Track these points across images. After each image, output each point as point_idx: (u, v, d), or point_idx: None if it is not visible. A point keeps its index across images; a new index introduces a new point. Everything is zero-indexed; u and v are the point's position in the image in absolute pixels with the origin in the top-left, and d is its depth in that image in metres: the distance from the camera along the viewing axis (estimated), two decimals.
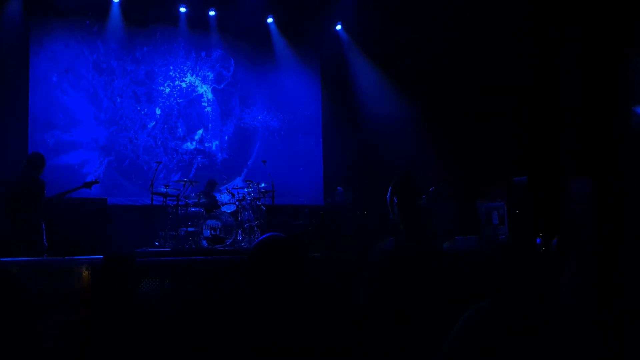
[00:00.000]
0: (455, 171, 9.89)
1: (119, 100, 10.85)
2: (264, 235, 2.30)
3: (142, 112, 11.03)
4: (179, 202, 8.81)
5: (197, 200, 9.09)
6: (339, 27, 12.23)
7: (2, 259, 5.17)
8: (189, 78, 11.48)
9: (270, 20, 11.84)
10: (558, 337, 2.19)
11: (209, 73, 11.67)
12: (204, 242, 8.61)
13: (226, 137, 11.70)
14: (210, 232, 8.69)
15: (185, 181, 9.23)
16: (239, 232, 8.99)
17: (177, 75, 11.39)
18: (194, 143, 11.41)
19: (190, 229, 8.72)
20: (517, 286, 2.30)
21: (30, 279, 4.67)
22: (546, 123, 8.71)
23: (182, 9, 11.17)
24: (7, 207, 7.06)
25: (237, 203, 9.34)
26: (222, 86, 11.77)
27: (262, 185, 9.58)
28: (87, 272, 4.71)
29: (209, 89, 11.66)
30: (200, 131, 11.49)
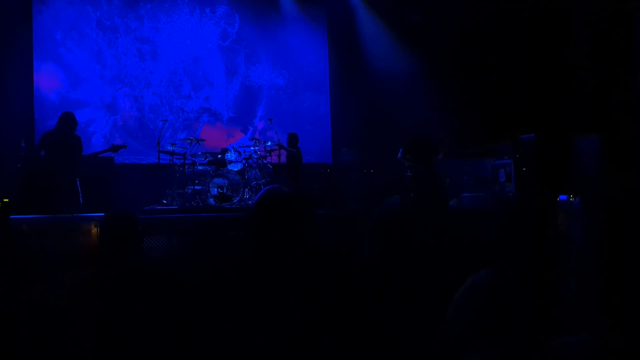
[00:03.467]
0: (463, 129, 9.83)
1: (123, 58, 10.77)
2: (265, 188, 2.29)
3: (147, 70, 10.95)
4: (186, 161, 8.83)
5: (204, 159, 9.11)
6: None
7: (13, 216, 5.22)
8: (194, 35, 11.35)
9: None
10: (565, 300, 2.20)
11: (214, 30, 11.52)
12: (211, 200, 8.66)
13: (232, 95, 11.63)
14: (217, 190, 8.72)
15: (192, 139, 9.22)
16: (246, 190, 9.02)
17: (182, 33, 11.25)
18: (200, 101, 11.35)
19: (197, 187, 8.77)
20: (522, 247, 2.30)
21: (40, 236, 4.73)
22: (554, 80, 8.61)
23: None
24: (45, 163, 6.95)
25: (243, 161, 9.35)
26: (227, 43, 11.63)
27: (269, 143, 9.57)
28: (95, 230, 4.77)
29: (214, 46, 11.53)
30: (206, 89, 11.42)
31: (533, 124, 8.74)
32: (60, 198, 6.82)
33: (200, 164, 9.07)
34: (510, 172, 8.37)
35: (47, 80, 10.14)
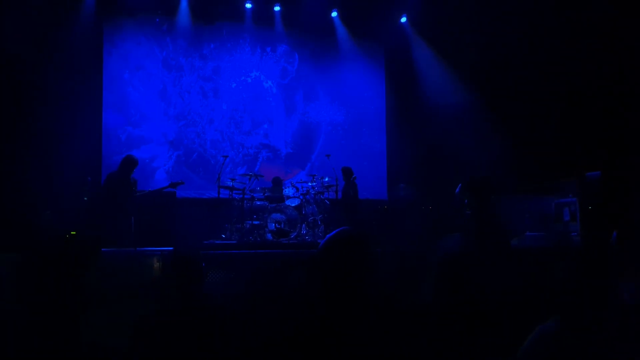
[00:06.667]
0: (525, 166, 9.60)
1: (187, 96, 11.14)
2: (335, 231, 2.27)
3: (209, 107, 11.28)
4: (245, 196, 8.96)
5: (262, 194, 9.22)
6: (403, 19, 12.09)
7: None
8: (254, 73, 11.65)
9: (334, 14, 11.85)
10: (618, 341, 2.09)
11: (274, 68, 11.80)
12: (269, 235, 8.72)
13: (290, 132, 11.81)
14: (275, 225, 8.79)
15: (251, 175, 9.37)
16: (303, 225, 9.05)
17: (243, 71, 11.57)
18: (259, 137, 11.57)
19: (255, 222, 8.86)
20: (588, 292, 2.19)
21: (103, 269, 4.86)
22: (621, 116, 8.33)
23: (248, 5, 11.35)
24: (104, 203, 7.49)
25: (301, 197, 9.41)
26: (286, 81, 11.87)
27: (326, 179, 9.62)
28: (158, 263, 4.87)
29: (274, 84, 11.78)
30: (265, 125, 11.64)
31: (599, 160, 8.45)
32: (116, 233, 7.18)
33: (259, 199, 9.19)
34: (575, 210, 8.08)
35: (114, 117, 10.57)
